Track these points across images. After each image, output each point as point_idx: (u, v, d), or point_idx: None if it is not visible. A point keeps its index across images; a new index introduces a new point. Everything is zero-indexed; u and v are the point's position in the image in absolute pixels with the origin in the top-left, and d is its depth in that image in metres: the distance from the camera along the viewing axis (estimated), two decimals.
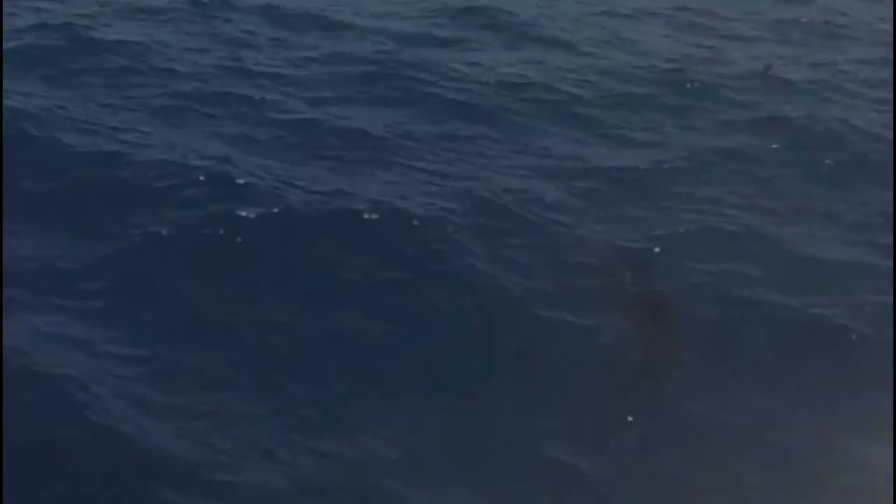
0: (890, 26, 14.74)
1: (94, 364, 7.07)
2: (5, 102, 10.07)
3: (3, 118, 9.76)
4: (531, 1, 14.88)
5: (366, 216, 8.79)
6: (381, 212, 8.87)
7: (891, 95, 12.23)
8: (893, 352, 7.70)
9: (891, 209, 9.66)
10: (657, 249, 9.01)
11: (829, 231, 9.55)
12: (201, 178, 9.18)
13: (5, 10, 12.19)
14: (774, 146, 10.99)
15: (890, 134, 11.18)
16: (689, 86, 12.34)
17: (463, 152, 10.29)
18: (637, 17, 15.00)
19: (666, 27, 14.65)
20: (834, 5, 16.09)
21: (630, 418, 7.06)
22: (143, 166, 9.37)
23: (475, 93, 11.59)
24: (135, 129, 10.14)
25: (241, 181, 9.15)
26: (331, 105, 11.07)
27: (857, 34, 14.99)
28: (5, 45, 11.37)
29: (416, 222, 8.82)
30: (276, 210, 8.74)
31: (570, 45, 13.48)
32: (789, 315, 8.23)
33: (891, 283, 8.59)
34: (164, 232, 8.47)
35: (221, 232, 8.52)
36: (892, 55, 13.62)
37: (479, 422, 6.97)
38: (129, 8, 13.33)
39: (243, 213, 8.66)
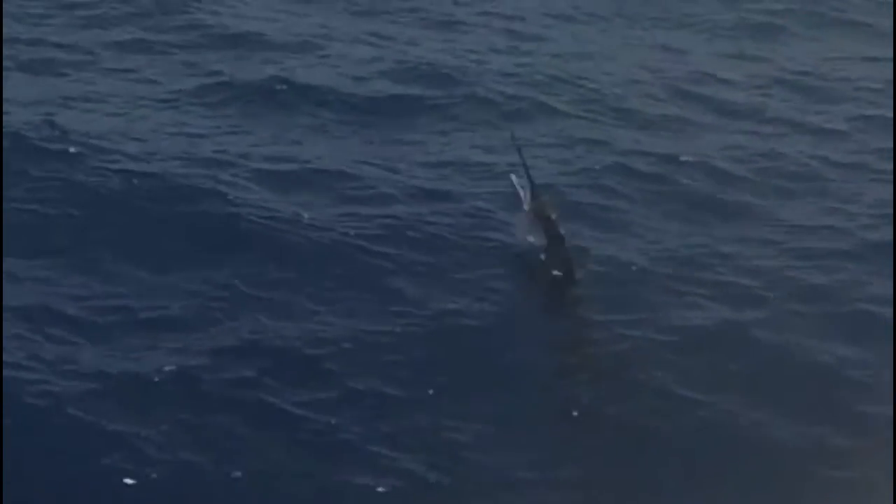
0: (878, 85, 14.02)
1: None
2: None
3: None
4: (507, 60, 14.03)
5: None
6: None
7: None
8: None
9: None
10: (641, 350, 8.57)
11: (828, 330, 9.03)
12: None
13: None
14: (768, 235, 10.40)
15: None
16: (674, 165, 11.52)
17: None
18: (612, 66, 14.13)
19: (653, 88, 13.78)
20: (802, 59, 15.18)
21: None
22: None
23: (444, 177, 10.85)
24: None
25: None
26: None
27: (842, 89, 14.20)
28: None
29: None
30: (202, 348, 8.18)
31: (550, 110, 12.66)
32: (780, 436, 7.86)
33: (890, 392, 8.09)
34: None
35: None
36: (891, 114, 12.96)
37: None
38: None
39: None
